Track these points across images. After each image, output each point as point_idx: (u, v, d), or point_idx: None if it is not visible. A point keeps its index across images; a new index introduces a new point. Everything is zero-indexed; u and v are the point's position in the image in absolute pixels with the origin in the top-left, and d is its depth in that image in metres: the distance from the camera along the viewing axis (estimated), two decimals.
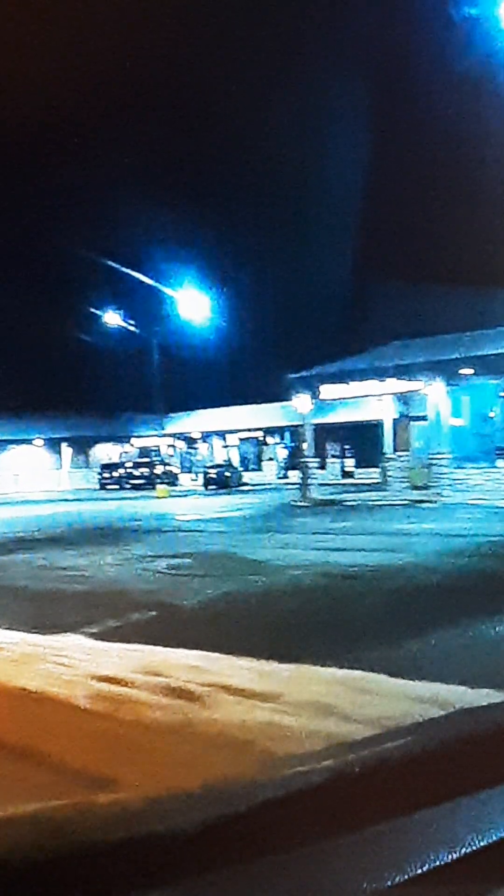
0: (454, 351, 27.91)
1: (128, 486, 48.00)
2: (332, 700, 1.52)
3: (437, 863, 0.93)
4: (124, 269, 40.41)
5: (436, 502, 25.94)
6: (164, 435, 54.58)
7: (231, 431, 52.01)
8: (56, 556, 14.57)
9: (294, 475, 38.35)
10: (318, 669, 1.90)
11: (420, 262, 31.95)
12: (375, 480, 34.09)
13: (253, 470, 49.48)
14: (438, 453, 28.93)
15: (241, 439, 52.29)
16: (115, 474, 50.46)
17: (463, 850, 0.95)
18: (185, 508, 28.18)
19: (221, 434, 52.78)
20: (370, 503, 27.12)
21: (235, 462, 49.94)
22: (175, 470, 51.22)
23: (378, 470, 34.25)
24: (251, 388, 45.02)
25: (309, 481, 31.59)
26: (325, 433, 39.16)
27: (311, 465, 32.48)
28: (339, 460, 43.99)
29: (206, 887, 0.82)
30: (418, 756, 1.00)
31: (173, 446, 55.53)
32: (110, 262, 40.05)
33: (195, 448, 55.22)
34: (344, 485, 37.39)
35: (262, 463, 50.89)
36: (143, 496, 38.80)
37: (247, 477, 46.69)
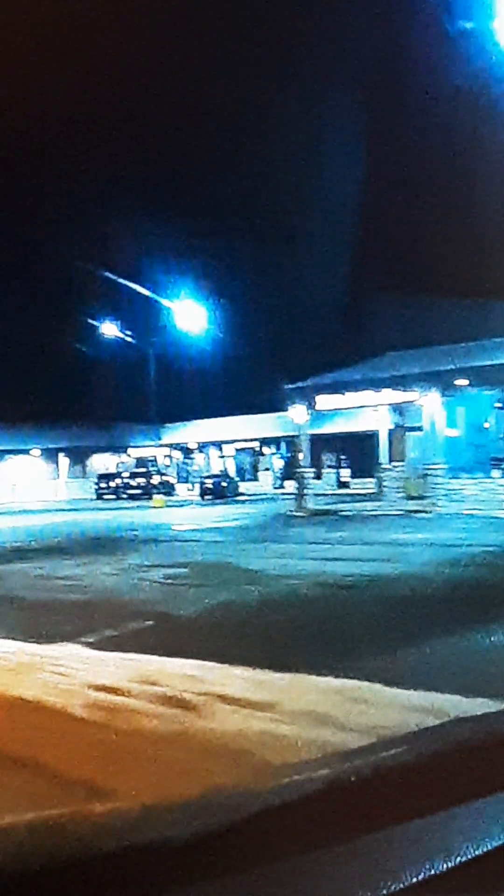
0: (449, 362, 27.96)
1: (124, 496, 47.94)
2: (327, 709, 1.53)
3: (433, 871, 0.93)
4: (121, 281, 40.45)
5: (431, 512, 25.94)
6: (161, 445, 54.54)
7: (227, 441, 51.99)
8: (53, 565, 14.53)
9: (290, 485, 38.31)
10: (313, 679, 1.91)
11: (416, 274, 32.00)
12: (371, 490, 34.08)
13: (249, 480, 49.45)
14: (434, 464, 28.94)
15: (237, 449, 52.28)
16: (111, 484, 50.40)
17: (458, 859, 0.95)
18: (182, 518, 28.14)
19: (218, 444, 52.76)
20: (366, 513, 27.11)
21: (232, 472, 49.91)
22: (171, 480, 51.16)
23: (374, 480, 34.24)
24: (247, 398, 45.03)
25: (305, 491, 31.57)
26: (321, 443, 39.18)
27: (306, 475, 32.47)
28: (334, 470, 43.99)
29: None
30: (414, 765, 1.00)
31: (170, 456, 55.48)
32: (108, 274, 40.09)
33: (192, 458, 55.17)
34: (339, 495, 37.37)
35: (259, 473, 50.86)
36: (139, 506, 38.74)
37: (243, 487, 46.65)
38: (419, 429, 30.46)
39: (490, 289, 23.33)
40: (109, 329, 48.28)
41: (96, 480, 51.93)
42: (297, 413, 31.89)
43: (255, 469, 51.35)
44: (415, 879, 0.91)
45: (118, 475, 51.76)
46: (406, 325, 30.78)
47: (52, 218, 45.80)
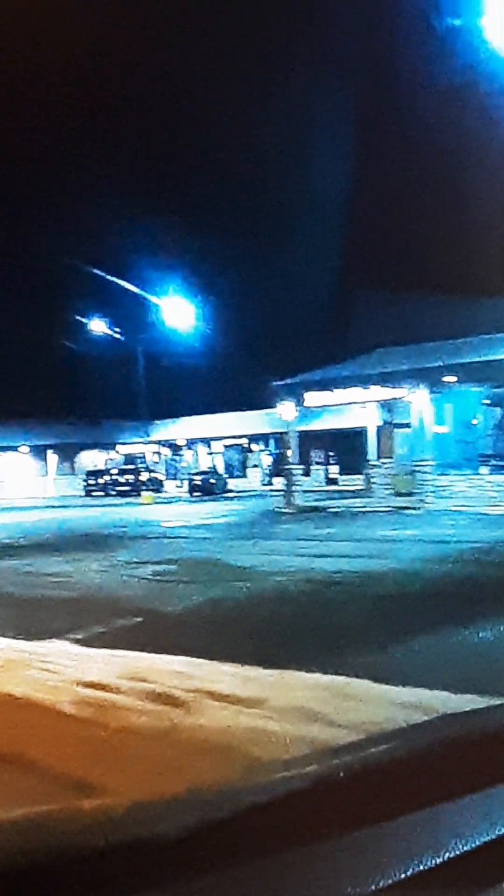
0: (437, 359, 28.00)
1: (113, 492, 47.89)
2: (316, 706, 1.52)
3: (421, 867, 0.93)
4: (110, 277, 40.28)
5: (419, 509, 26.00)
6: (150, 442, 54.48)
7: (216, 438, 52.00)
8: (42, 562, 14.52)
9: (279, 482, 38.34)
10: (302, 675, 1.91)
11: (404, 271, 32.05)
12: (359, 487, 34.12)
13: (238, 477, 49.47)
14: (422, 460, 29.00)
15: (225, 446, 52.29)
16: (100, 481, 50.34)
17: (446, 855, 0.95)
18: (170, 515, 28.13)
19: (206, 441, 52.76)
20: (354, 510, 27.15)
21: (220, 469, 49.95)
22: (160, 477, 51.13)
23: (362, 477, 34.29)
24: (236, 395, 45.06)
25: (293, 488, 31.59)
26: (310, 440, 39.21)
27: (295, 471, 32.48)
28: (323, 467, 44.03)
29: (192, 893, 0.82)
30: (402, 761, 1.01)
31: (158, 453, 55.44)
32: (96, 270, 39.92)
33: (180, 455, 55.16)
34: (328, 491, 37.39)
35: (247, 470, 50.89)
36: (128, 503, 38.71)
37: (231, 484, 46.68)
38: (408, 425, 30.51)
39: (478, 285, 23.40)
40: (98, 326, 48.14)
41: (85, 477, 51.85)
42: (286, 410, 31.90)
43: (243, 466, 51.38)
44: (403, 875, 0.91)
45: (107, 472, 51.71)
46: (394, 322, 30.80)
47: (40, 214, 45.70)
